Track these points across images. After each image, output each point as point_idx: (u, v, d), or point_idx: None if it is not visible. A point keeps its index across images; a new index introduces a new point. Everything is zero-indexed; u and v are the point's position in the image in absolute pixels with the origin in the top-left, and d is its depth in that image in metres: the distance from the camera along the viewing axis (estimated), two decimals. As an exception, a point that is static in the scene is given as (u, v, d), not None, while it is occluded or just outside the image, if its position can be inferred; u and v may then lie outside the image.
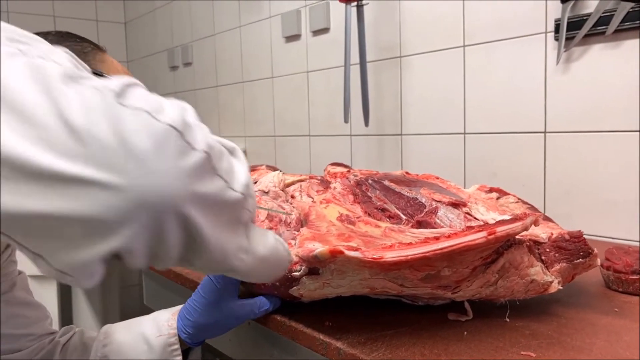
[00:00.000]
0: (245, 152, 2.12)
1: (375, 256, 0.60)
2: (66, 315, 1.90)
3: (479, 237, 0.60)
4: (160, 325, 0.71)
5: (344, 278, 0.65)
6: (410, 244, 0.63)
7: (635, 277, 0.75)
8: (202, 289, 0.70)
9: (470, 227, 0.64)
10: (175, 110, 0.41)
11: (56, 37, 0.84)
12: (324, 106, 1.72)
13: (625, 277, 0.76)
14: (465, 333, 0.64)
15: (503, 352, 0.59)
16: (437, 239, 0.62)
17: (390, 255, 0.60)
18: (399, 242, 0.64)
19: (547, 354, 0.58)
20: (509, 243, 0.68)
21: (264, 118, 1.99)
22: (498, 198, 0.94)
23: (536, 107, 1.17)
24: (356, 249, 0.61)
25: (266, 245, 0.51)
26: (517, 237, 0.69)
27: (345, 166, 1.24)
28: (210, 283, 0.70)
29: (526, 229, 0.64)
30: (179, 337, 0.70)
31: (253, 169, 1.44)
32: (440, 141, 1.38)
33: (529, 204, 0.91)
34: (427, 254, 0.60)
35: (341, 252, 0.60)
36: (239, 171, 0.46)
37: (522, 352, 0.58)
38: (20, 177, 0.34)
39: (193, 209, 0.39)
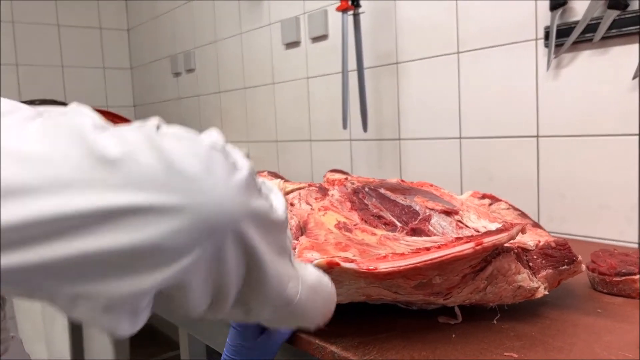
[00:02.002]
0: (248, 157, 2.15)
1: (370, 267, 0.64)
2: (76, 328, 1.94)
3: (467, 247, 0.64)
4: None
5: (341, 287, 0.69)
6: (402, 254, 0.66)
7: (618, 278, 0.78)
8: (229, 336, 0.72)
9: (459, 238, 0.67)
10: (211, 135, 0.40)
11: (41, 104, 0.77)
12: (324, 111, 1.76)
13: (609, 279, 0.79)
14: (454, 335, 0.68)
15: (487, 354, 0.62)
16: (427, 249, 0.66)
17: (384, 266, 0.64)
18: (392, 253, 0.68)
19: (528, 354, 0.62)
20: (497, 251, 0.71)
21: (266, 123, 2.03)
22: (490, 204, 0.98)
23: (528, 111, 1.20)
24: (352, 261, 0.65)
25: (312, 275, 0.52)
26: (504, 245, 0.73)
27: (344, 173, 1.28)
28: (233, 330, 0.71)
29: (512, 238, 0.68)
30: None
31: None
32: (437, 145, 1.42)
33: (520, 211, 0.95)
34: (419, 265, 0.63)
35: (337, 264, 0.64)
36: (277, 196, 0.46)
37: (505, 354, 0.62)
38: (64, 226, 0.32)
39: (250, 226, 0.38)
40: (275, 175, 1.52)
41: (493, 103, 1.27)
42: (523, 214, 0.94)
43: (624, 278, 0.78)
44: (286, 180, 1.28)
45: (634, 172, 1.05)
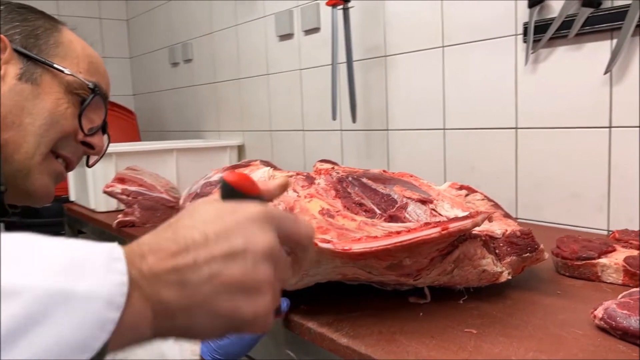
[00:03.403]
0: (243, 146, 2.21)
1: (345, 248, 0.70)
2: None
3: (433, 232, 0.69)
4: (184, 348, 0.74)
5: (319, 267, 0.75)
6: (375, 237, 0.72)
7: (579, 262, 0.84)
8: None
9: (427, 223, 0.73)
10: None
11: (6, 12, 0.73)
12: (316, 102, 1.81)
13: (570, 263, 0.85)
14: (421, 314, 0.74)
15: (450, 330, 0.68)
16: (398, 233, 0.71)
17: (357, 247, 0.69)
18: (366, 236, 0.74)
19: (487, 330, 0.68)
20: (464, 237, 0.77)
21: (260, 113, 2.09)
22: (467, 195, 1.03)
23: (508, 104, 1.26)
24: (328, 242, 0.71)
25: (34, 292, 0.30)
26: (473, 232, 0.79)
27: (333, 163, 1.33)
28: None
29: (477, 225, 0.73)
30: None
31: (247, 164, 1.53)
32: (423, 136, 1.47)
33: (494, 202, 1.00)
34: (388, 246, 0.69)
35: (315, 244, 0.70)
36: None
37: (465, 330, 0.68)
38: None
39: None
40: (267, 163, 1.58)
41: (475, 96, 1.33)
42: (496, 205, 0.99)
43: (584, 262, 0.84)
44: (276, 169, 1.33)
45: (605, 163, 1.10)
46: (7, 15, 0.72)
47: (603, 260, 0.83)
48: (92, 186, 1.83)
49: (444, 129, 1.41)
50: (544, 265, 0.91)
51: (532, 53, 1.19)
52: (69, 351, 0.30)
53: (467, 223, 0.70)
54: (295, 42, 1.86)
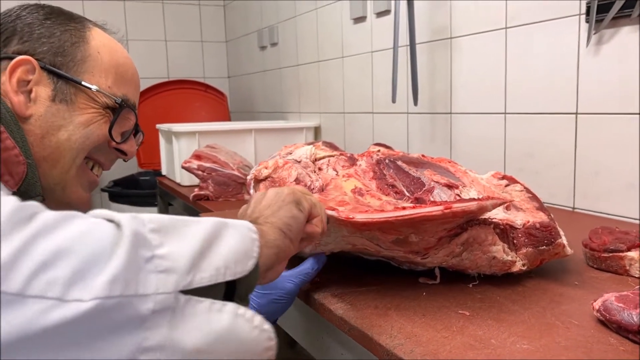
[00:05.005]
0: (319, 127, 2.28)
1: (349, 216, 0.73)
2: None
3: (436, 210, 0.71)
4: None
5: (329, 235, 0.79)
6: (382, 210, 0.75)
7: (606, 255, 0.81)
8: None
9: (434, 202, 0.75)
10: None
11: (34, 26, 0.73)
12: (384, 85, 1.82)
13: (598, 255, 0.82)
14: (424, 293, 0.76)
15: (444, 310, 0.70)
16: (403, 208, 0.74)
17: (359, 217, 0.73)
18: (374, 209, 0.77)
19: (481, 313, 0.68)
20: (476, 221, 0.78)
21: (335, 96, 2.13)
22: (507, 185, 1.01)
23: (568, 88, 1.20)
24: (333, 209, 0.75)
25: (209, 329, 0.44)
26: (489, 219, 0.79)
27: (386, 146, 1.36)
28: None
29: (484, 209, 0.73)
30: None
31: (310, 143, 1.60)
32: (484, 120, 1.44)
33: (532, 193, 0.97)
34: (390, 219, 0.72)
35: None
36: (100, 269, 0.37)
37: (459, 311, 0.69)
38: None
39: None
40: (329, 144, 1.63)
41: (535, 79, 1.28)
42: (534, 197, 0.97)
43: (611, 255, 0.80)
44: (336, 149, 1.37)
45: (666, 152, 1.02)
46: (34, 31, 0.73)
47: (631, 254, 0.79)
48: (177, 162, 2.00)
49: (504, 113, 1.37)
50: (576, 256, 0.88)
51: (594, 34, 1.12)
52: (241, 256, 0.49)
53: (472, 205, 0.71)
54: (368, 24, 1.88)
